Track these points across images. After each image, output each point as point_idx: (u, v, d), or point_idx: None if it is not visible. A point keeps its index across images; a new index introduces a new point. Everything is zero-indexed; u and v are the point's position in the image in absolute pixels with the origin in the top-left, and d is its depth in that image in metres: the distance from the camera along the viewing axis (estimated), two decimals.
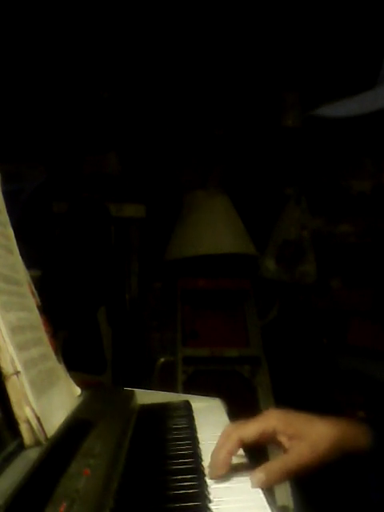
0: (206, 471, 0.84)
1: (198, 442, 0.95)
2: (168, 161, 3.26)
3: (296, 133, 3.23)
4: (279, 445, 0.85)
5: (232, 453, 0.85)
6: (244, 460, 0.88)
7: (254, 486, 0.80)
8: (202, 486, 0.78)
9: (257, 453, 0.88)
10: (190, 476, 0.81)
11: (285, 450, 0.85)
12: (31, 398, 0.79)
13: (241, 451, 0.88)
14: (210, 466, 0.84)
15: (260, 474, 0.81)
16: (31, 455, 0.75)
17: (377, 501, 0.87)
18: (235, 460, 0.87)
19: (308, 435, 0.84)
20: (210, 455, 0.87)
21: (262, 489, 0.79)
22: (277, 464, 0.83)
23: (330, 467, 0.84)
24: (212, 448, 0.88)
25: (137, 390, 1.24)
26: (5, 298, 0.84)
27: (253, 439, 0.85)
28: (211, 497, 0.75)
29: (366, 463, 0.86)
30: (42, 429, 0.79)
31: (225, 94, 3.24)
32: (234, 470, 0.85)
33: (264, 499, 0.77)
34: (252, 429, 0.85)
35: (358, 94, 0.91)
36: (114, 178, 3.11)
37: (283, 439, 0.84)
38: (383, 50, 0.96)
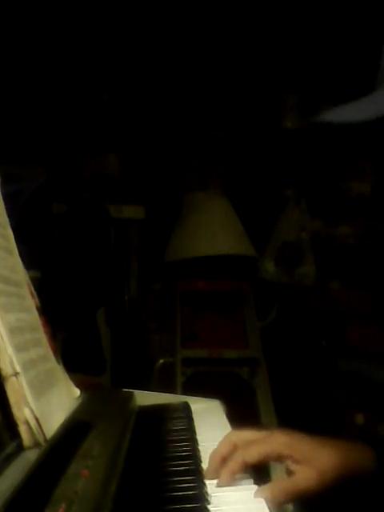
0: (206, 474, 0.84)
1: (197, 444, 0.95)
2: (168, 162, 3.26)
3: (296, 135, 3.23)
4: (283, 463, 0.85)
5: (235, 474, 0.84)
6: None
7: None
8: (201, 487, 0.78)
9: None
10: (188, 477, 0.81)
11: (290, 473, 0.84)
12: (30, 399, 0.78)
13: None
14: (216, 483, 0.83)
15: (267, 491, 0.80)
16: (30, 456, 0.75)
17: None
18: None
19: (314, 461, 0.84)
20: (208, 457, 0.87)
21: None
22: (284, 484, 0.83)
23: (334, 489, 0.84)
24: (211, 449, 0.88)
25: (136, 392, 1.24)
26: (4, 299, 0.84)
27: (256, 462, 0.85)
28: (210, 498, 0.75)
29: (369, 484, 0.86)
30: (41, 430, 0.79)
31: (224, 96, 3.24)
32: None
33: (263, 500, 0.77)
34: (256, 452, 0.85)
35: (359, 98, 0.91)
36: (114, 180, 3.12)
37: (288, 462, 0.84)
38: (381, 53, 0.95)
